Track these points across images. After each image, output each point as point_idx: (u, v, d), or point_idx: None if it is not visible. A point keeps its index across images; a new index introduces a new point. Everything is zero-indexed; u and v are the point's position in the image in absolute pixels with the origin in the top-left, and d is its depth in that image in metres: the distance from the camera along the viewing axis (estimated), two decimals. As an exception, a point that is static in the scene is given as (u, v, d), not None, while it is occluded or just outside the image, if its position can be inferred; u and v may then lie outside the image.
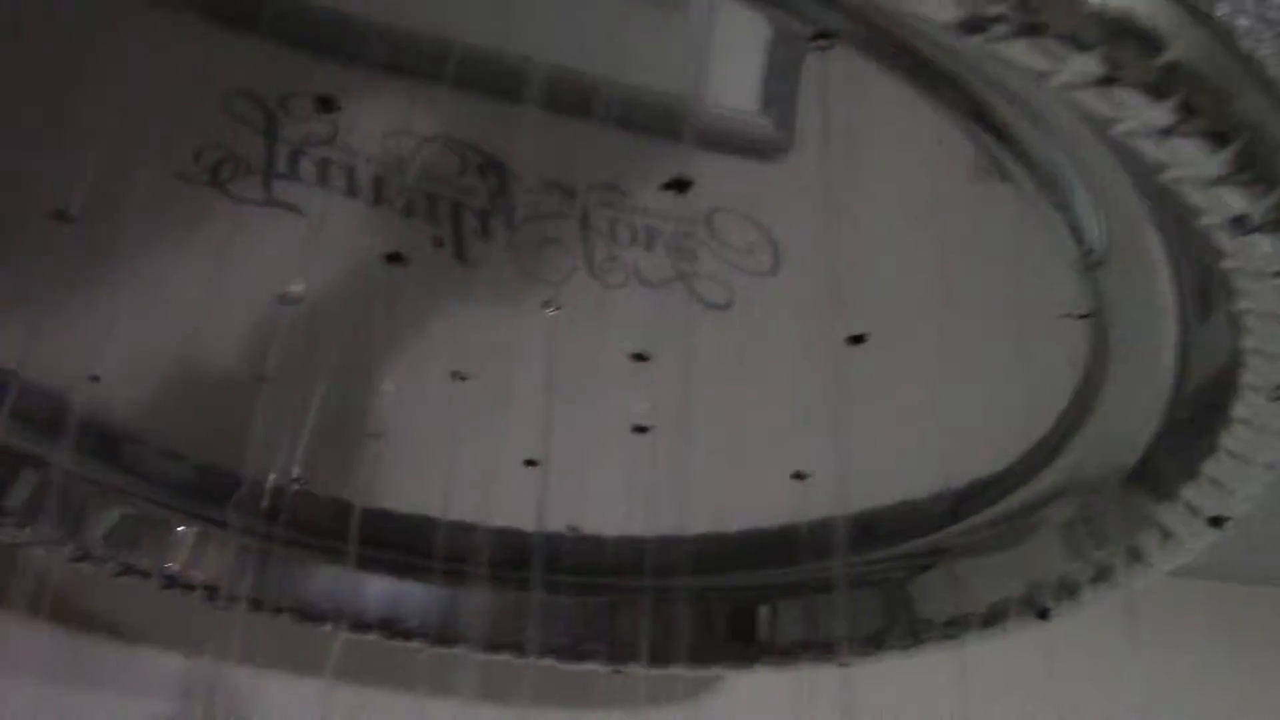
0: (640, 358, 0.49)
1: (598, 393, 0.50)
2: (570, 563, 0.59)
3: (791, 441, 0.54)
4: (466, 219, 0.46)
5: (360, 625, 0.64)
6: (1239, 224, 0.32)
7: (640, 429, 0.53)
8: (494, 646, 0.63)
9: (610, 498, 0.57)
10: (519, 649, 0.63)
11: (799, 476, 0.54)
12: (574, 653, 0.65)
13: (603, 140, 0.42)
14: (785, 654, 0.63)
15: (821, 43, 0.36)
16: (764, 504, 0.60)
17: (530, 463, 0.53)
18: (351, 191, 0.45)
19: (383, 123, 0.43)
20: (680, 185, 0.40)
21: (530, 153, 0.44)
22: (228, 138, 0.43)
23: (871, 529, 0.58)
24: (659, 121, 0.41)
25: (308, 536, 0.60)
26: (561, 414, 0.48)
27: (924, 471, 0.55)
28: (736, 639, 0.65)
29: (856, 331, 0.45)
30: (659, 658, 0.62)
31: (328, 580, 0.64)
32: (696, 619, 0.64)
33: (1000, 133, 0.38)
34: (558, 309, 0.48)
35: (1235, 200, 0.32)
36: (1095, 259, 0.41)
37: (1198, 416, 0.43)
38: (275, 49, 0.40)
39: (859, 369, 0.46)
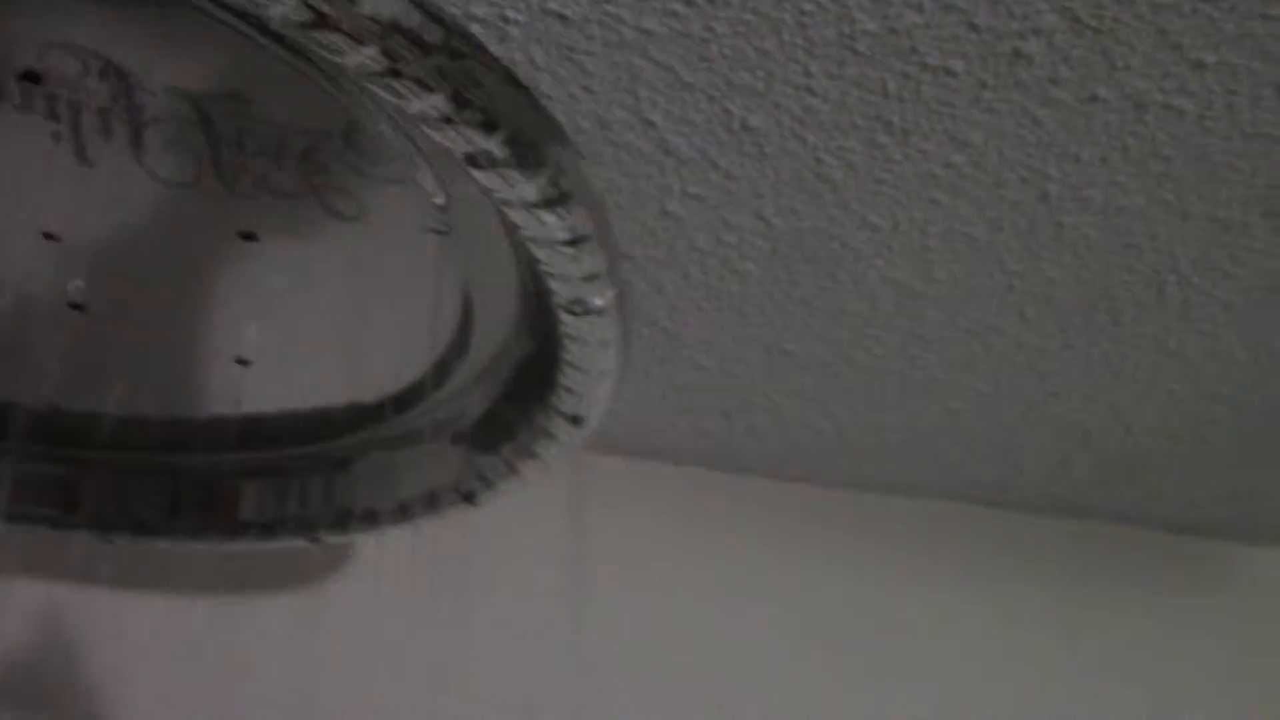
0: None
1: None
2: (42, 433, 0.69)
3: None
4: (86, 119, 0.50)
5: None
6: (529, 205, 0.43)
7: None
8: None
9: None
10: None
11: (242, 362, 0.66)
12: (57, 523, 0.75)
13: (226, 47, 0.45)
14: (264, 529, 0.75)
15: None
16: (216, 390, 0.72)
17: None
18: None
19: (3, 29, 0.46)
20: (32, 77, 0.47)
21: (151, 57, 0.47)
22: None
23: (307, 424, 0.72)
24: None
25: None
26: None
27: (348, 379, 0.70)
28: (213, 513, 0.76)
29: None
30: (145, 530, 0.74)
31: None
32: (171, 493, 0.75)
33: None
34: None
35: (517, 181, 0.42)
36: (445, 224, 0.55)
37: (547, 338, 0.55)
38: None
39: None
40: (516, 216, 0.43)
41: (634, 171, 0.76)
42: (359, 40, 0.36)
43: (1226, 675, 1.14)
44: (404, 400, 0.67)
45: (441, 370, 0.66)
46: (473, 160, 0.40)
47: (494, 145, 0.39)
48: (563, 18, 0.64)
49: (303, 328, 0.67)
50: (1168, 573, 1.16)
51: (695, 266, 0.85)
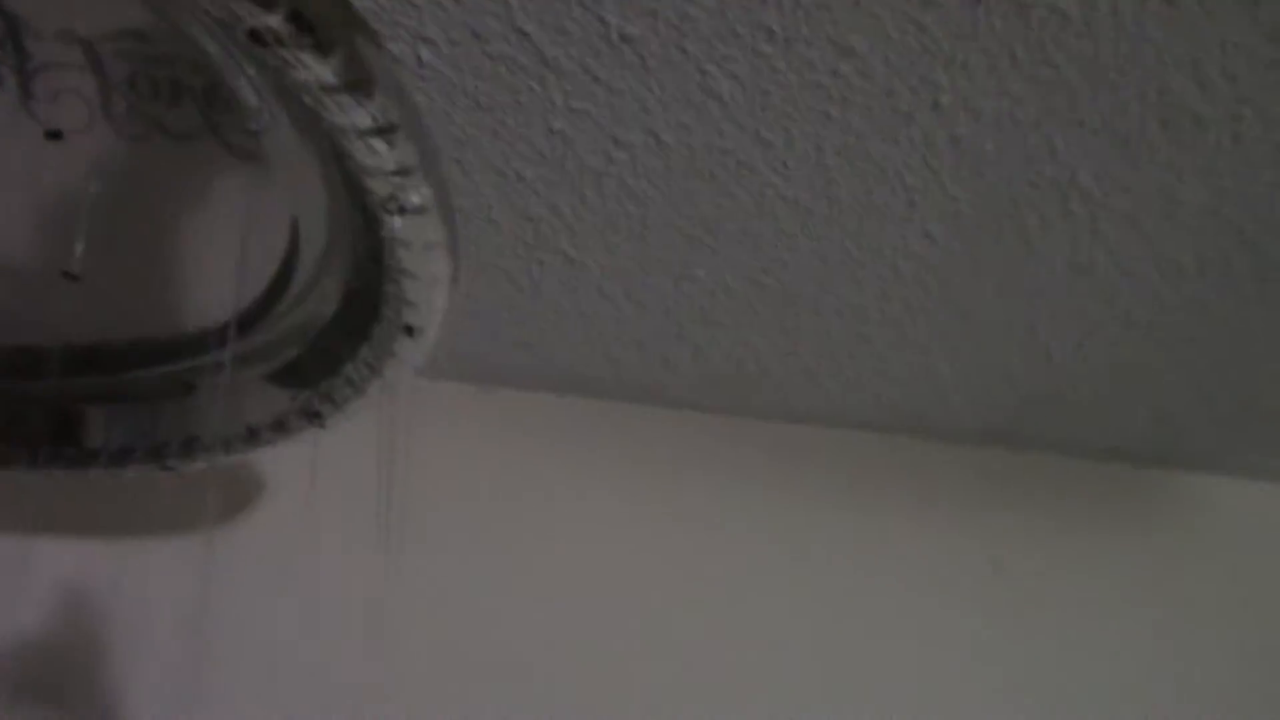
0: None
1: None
2: None
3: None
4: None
5: None
6: (328, 89, 0.42)
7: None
8: None
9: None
10: None
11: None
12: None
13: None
14: (114, 457, 0.74)
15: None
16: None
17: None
18: None
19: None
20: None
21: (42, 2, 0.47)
22: None
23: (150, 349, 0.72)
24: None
25: None
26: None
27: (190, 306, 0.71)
28: (62, 442, 0.75)
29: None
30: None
31: None
32: (16, 421, 0.75)
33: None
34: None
35: (309, 64, 0.41)
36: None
37: (374, 248, 0.54)
38: None
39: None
40: (317, 102, 0.42)
41: (514, 86, 0.74)
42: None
43: (1149, 598, 1.14)
44: (244, 322, 0.66)
45: (277, 291, 0.64)
46: (256, 37, 0.38)
47: (275, 21, 0.38)
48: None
49: (137, 252, 0.65)
50: (1092, 500, 1.16)
51: (591, 189, 0.83)
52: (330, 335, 0.64)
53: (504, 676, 1.00)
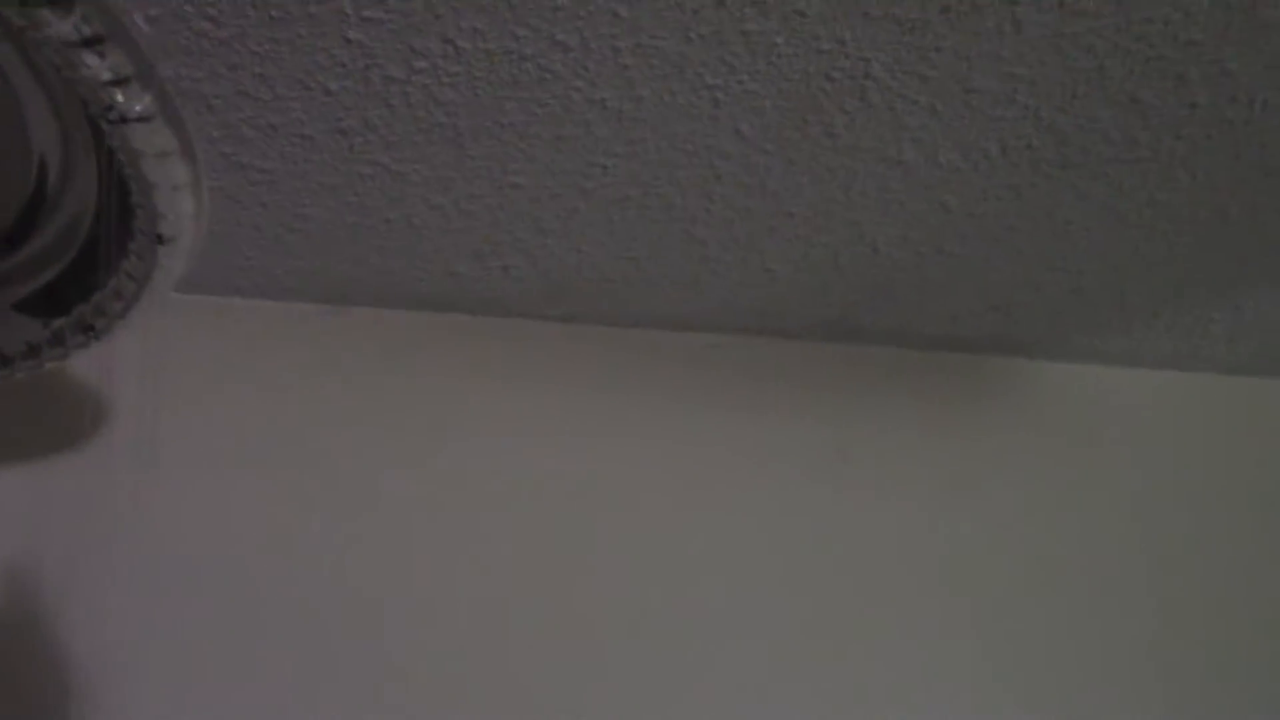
0: None
1: None
2: None
3: None
4: None
5: None
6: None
7: None
8: None
9: None
10: None
11: None
12: None
13: None
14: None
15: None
16: None
17: None
18: None
19: None
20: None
21: None
22: None
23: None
24: None
25: None
26: None
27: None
28: None
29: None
30: None
31: None
32: None
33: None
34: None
35: None
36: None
37: (114, 164, 0.55)
38: None
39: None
40: (23, 18, 0.42)
41: (303, -3, 0.75)
42: None
43: (988, 479, 1.19)
44: (11, 239, 0.66)
45: (29, 216, 0.65)
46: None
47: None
48: None
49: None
50: (929, 387, 1.20)
51: (397, 98, 0.84)
52: (91, 250, 0.65)
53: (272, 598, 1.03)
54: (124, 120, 0.48)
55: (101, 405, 0.84)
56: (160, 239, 0.57)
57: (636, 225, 1.01)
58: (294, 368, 1.08)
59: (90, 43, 0.44)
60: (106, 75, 0.46)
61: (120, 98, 0.47)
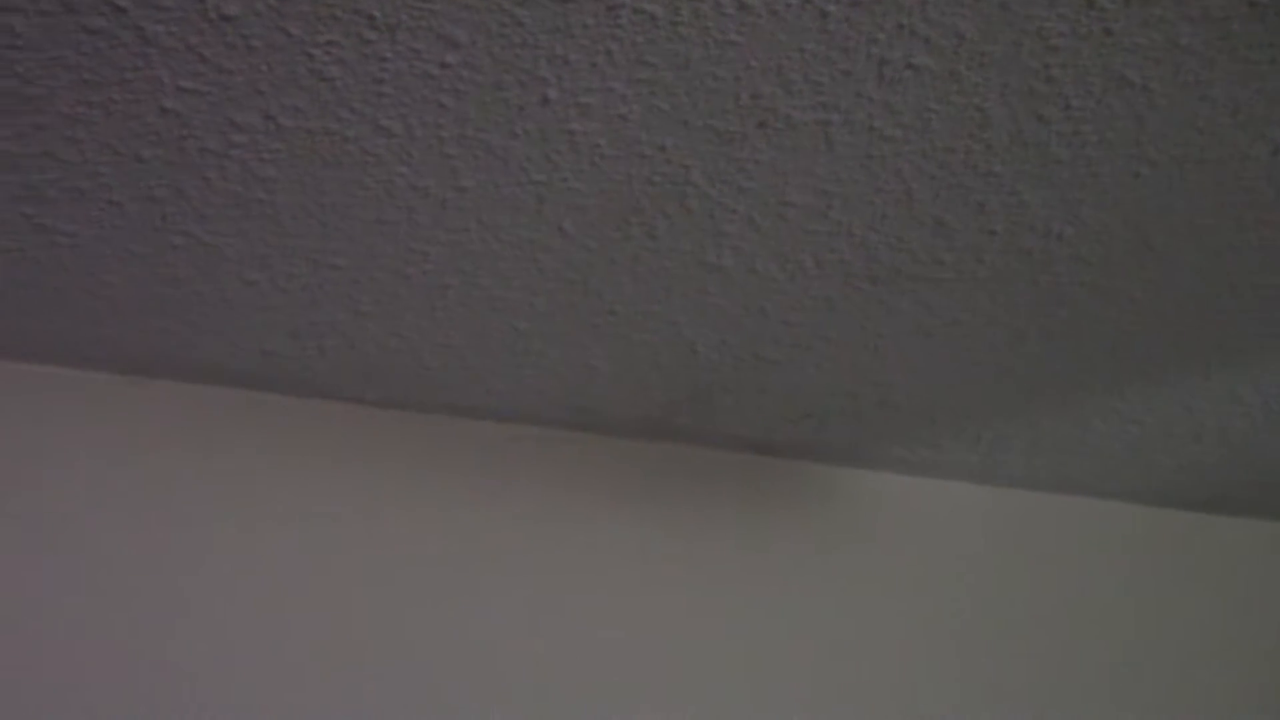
0: None
1: None
2: None
3: None
4: None
5: None
6: None
7: None
8: None
9: None
10: None
11: None
12: None
13: None
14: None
15: None
16: None
17: None
18: None
19: None
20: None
21: None
22: None
23: None
24: None
25: None
26: None
27: None
28: None
29: None
30: None
31: None
32: None
33: None
34: None
35: None
36: None
37: None
38: None
39: None
40: None
41: (119, 63, 0.73)
42: None
43: (799, 585, 1.21)
44: None
45: None
46: None
47: None
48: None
49: None
50: (742, 491, 1.22)
51: (213, 171, 0.83)
52: None
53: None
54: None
55: None
56: None
57: (457, 314, 1.01)
58: (86, 440, 1.04)
59: None
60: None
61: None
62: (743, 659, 1.17)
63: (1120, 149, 0.84)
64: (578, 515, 1.16)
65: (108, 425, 1.04)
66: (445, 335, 1.04)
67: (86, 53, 0.72)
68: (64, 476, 1.01)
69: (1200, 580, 1.38)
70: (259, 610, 1.03)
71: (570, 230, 0.91)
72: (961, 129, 0.82)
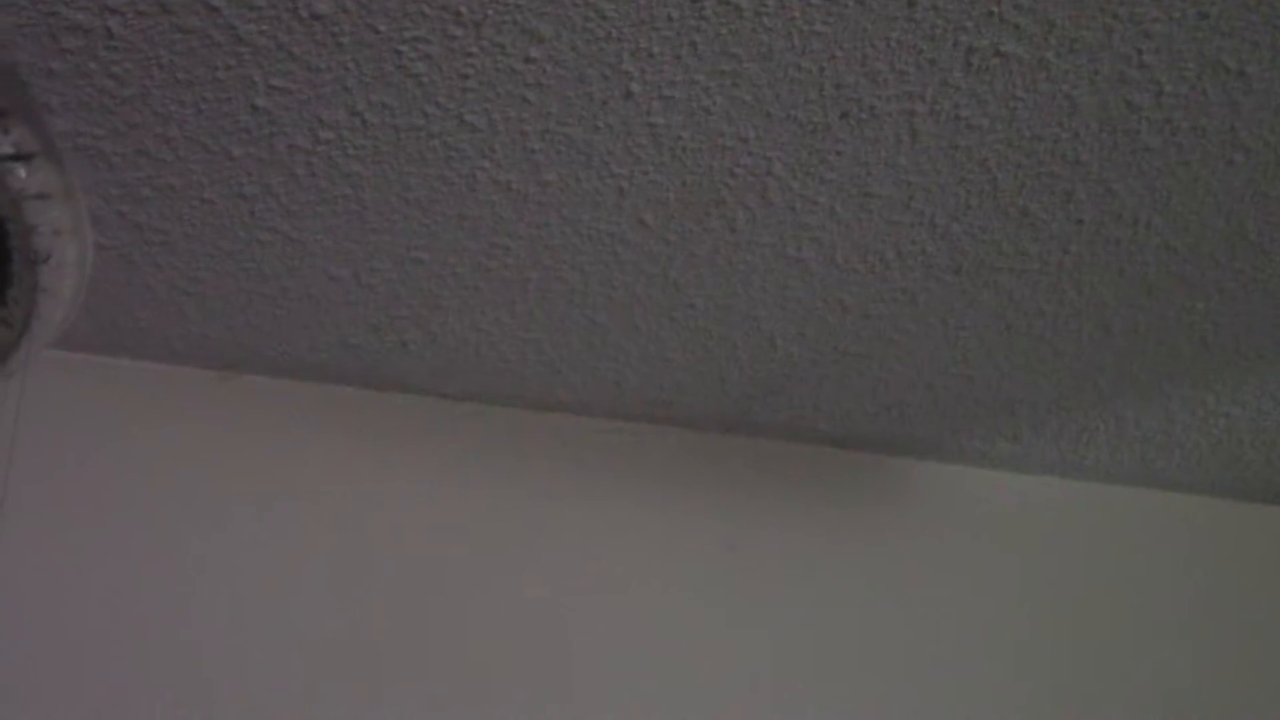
0: None
1: None
2: None
3: None
4: None
5: None
6: None
7: None
8: None
9: None
10: None
11: None
12: None
13: None
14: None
15: None
16: None
17: None
18: None
19: None
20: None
21: None
22: None
23: None
24: None
25: None
26: None
27: None
28: None
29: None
30: None
31: None
32: None
33: None
34: None
35: None
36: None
37: None
38: None
39: None
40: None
41: (211, 62, 0.74)
42: None
43: (878, 580, 1.20)
44: None
45: None
46: None
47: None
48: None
49: None
50: (820, 484, 1.21)
51: (301, 167, 0.84)
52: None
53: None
54: (2, 159, 0.47)
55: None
56: (36, 256, 0.56)
57: (537, 307, 1.01)
58: (178, 434, 1.06)
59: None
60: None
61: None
62: (815, 655, 1.17)
63: (1213, 136, 0.83)
64: (654, 508, 1.16)
65: (196, 420, 1.06)
66: (524, 329, 1.04)
67: (180, 52, 0.74)
68: (154, 472, 1.03)
69: (1290, 577, 1.35)
70: (343, 603, 1.05)
71: (651, 223, 0.91)
72: (1049, 117, 0.81)
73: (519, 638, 1.09)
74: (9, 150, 0.46)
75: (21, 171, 0.46)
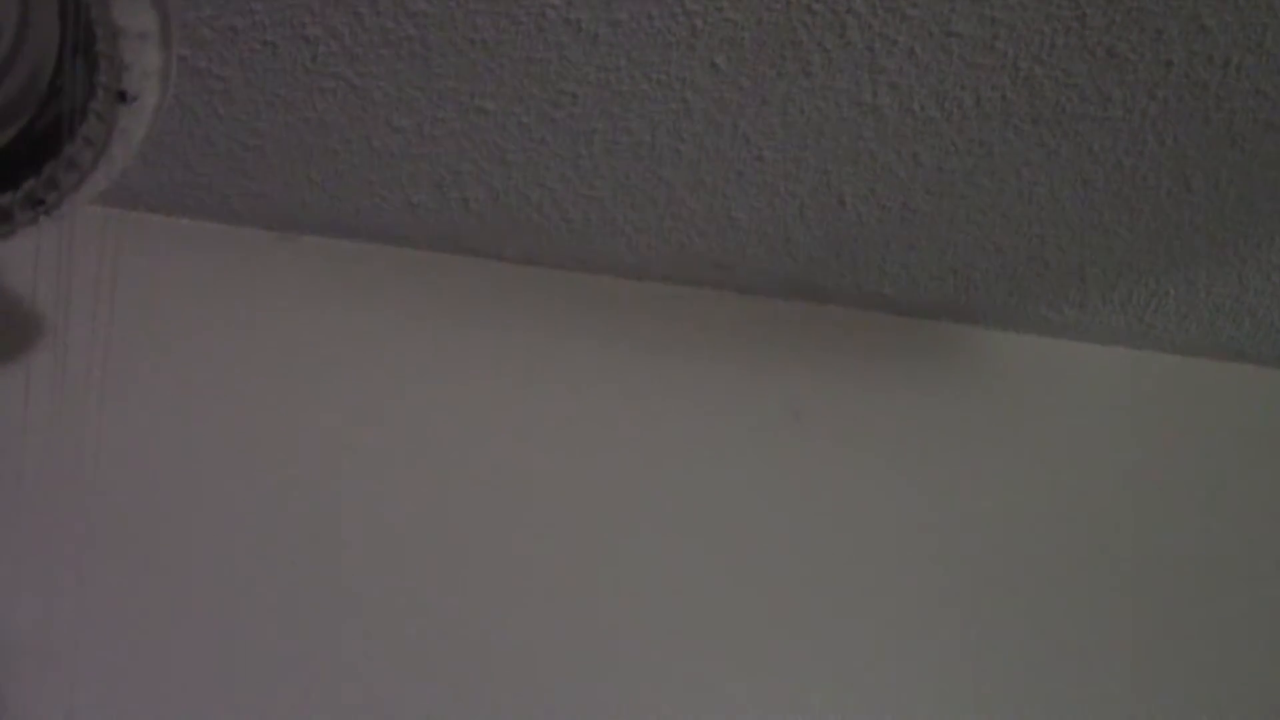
0: None
1: None
2: None
3: None
4: None
5: None
6: None
7: None
8: None
9: None
10: None
11: None
12: None
13: None
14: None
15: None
16: None
17: None
18: None
19: None
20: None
21: None
22: None
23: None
24: None
25: None
26: None
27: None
28: None
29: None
30: None
31: None
32: None
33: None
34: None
35: None
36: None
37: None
38: None
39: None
40: None
41: (275, -116, 0.72)
42: None
43: (940, 446, 1.19)
44: None
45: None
46: None
47: None
48: None
49: None
50: (886, 353, 1.19)
51: (365, 6, 0.81)
52: (46, 113, 0.61)
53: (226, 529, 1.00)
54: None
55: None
56: (123, 96, 0.54)
57: (602, 162, 0.99)
58: (235, 296, 1.05)
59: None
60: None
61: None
62: (877, 524, 1.16)
63: (1319, -39, 0.79)
64: (717, 376, 1.14)
65: (256, 281, 1.05)
66: (589, 186, 1.02)
67: (244, -125, 0.71)
68: (214, 331, 1.02)
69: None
70: (394, 464, 1.04)
71: (723, 66, 0.88)
72: (1147, -59, 0.77)
73: (579, 505, 1.09)
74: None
75: (127, 7, 0.44)
